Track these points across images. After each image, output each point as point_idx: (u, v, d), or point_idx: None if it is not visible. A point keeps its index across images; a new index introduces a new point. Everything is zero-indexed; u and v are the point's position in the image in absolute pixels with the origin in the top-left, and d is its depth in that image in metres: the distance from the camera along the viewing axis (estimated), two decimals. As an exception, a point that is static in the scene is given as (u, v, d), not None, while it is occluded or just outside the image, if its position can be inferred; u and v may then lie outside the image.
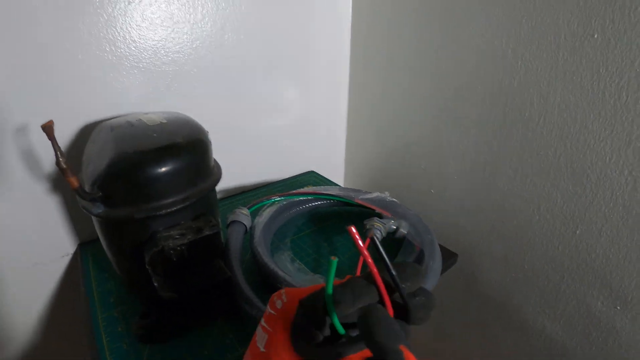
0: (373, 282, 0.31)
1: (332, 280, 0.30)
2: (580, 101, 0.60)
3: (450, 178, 0.84)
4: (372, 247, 0.31)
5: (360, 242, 0.29)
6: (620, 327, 0.65)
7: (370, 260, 0.30)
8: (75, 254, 0.75)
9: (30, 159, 0.64)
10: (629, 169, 0.57)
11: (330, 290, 0.30)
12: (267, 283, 0.58)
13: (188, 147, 0.51)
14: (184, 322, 0.54)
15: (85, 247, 0.74)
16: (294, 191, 0.78)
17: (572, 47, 0.58)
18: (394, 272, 0.30)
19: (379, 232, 0.63)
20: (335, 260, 0.29)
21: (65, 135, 0.66)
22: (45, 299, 0.77)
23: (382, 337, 0.26)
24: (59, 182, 0.68)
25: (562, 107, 0.62)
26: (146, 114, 0.59)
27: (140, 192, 0.48)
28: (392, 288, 0.31)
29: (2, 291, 0.72)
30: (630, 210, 0.58)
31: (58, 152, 0.46)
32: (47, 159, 0.65)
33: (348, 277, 0.33)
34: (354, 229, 0.29)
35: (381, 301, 0.32)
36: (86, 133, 0.65)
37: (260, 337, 0.34)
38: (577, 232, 0.66)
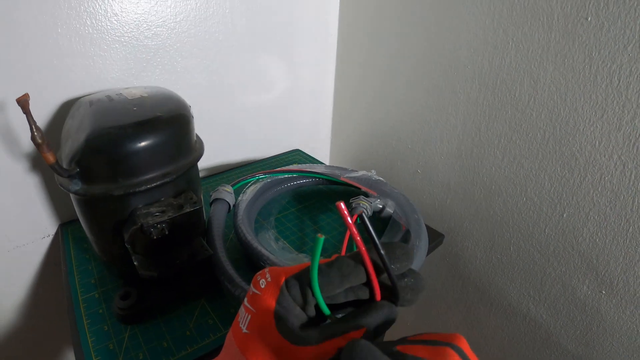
0: (361, 262, 0.30)
1: (318, 258, 0.29)
2: (571, 84, 0.59)
3: (437, 158, 0.83)
4: (361, 226, 0.29)
5: (350, 219, 0.28)
6: (605, 312, 0.65)
7: (358, 238, 0.29)
8: (56, 235, 0.73)
9: (7, 137, 0.61)
10: (618, 153, 0.56)
11: (315, 270, 0.29)
12: (251, 262, 0.57)
13: (169, 121, 0.48)
14: (165, 302, 0.53)
15: (66, 228, 0.72)
16: (278, 169, 0.77)
17: (564, 29, 0.57)
18: (383, 253, 0.29)
19: (365, 211, 0.62)
20: (322, 237, 0.27)
21: (44, 112, 0.64)
22: (26, 281, 0.75)
23: None
24: (39, 161, 0.66)
25: (552, 90, 0.61)
26: (127, 88, 0.57)
27: (119, 167, 0.45)
28: (380, 268, 0.30)
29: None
30: (619, 195, 0.58)
31: (33, 127, 0.44)
32: (26, 137, 0.63)
33: (335, 256, 0.32)
34: (343, 205, 0.28)
35: (368, 282, 0.31)
36: (66, 110, 0.62)
37: (242, 318, 0.33)
38: (564, 215, 0.65)
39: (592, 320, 0.67)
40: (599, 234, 0.62)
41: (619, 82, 0.54)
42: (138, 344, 0.50)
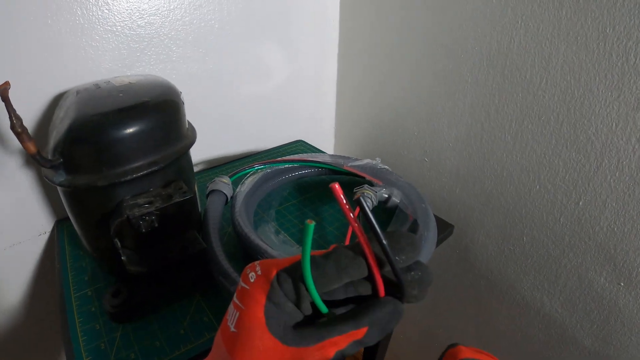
0: (361, 253, 0.27)
1: (309, 248, 0.25)
2: (585, 63, 0.55)
3: (445, 145, 0.79)
4: (361, 215, 0.26)
5: (345, 201, 0.24)
6: (624, 305, 0.62)
7: (357, 225, 0.26)
8: (52, 232, 0.71)
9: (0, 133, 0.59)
10: (636, 136, 0.53)
11: (307, 261, 0.26)
12: (250, 256, 0.54)
13: (156, 107, 0.46)
14: (158, 299, 0.50)
15: (62, 224, 0.69)
16: (278, 159, 0.73)
17: (576, 5, 0.54)
18: (385, 243, 0.25)
19: (369, 200, 0.59)
20: (312, 224, 0.24)
21: (36, 106, 0.61)
22: (23, 280, 0.73)
23: None
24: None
25: (565, 70, 0.58)
26: (117, 77, 0.55)
27: (103, 156, 0.43)
28: (383, 261, 0.27)
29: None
30: (638, 181, 0.55)
31: (12, 115, 0.42)
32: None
33: (333, 246, 0.29)
34: (337, 186, 0.24)
35: (370, 276, 0.27)
36: (57, 102, 0.60)
37: (231, 316, 0.30)
38: (580, 203, 0.62)
39: (609, 314, 0.64)
40: (617, 222, 0.59)
41: (636, 59, 0.51)
42: (130, 343, 0.47)
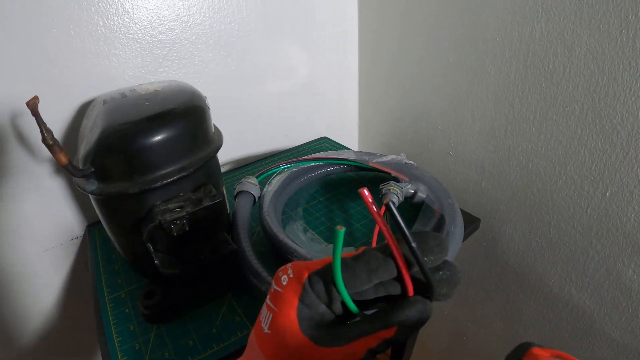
0: (390, 255, 0.27)
1: (340, 253, 0.26)
2: (608, 51, 0.54)
3: (469, 139, 0.78)
4: (389, 215, 0.26)
5: (375, 208, 0.25)
6: None
7: (386, 229, 0.26)
8: (84, 237, 0.73)
9: (29, 141, 0.61)
10: None
11: (338, 265, 0.26)
12: (279, 255, 0.54)
13: (183, 113, 0.46)
14: (190, 299, 0.51)
15: (93, 229, 0.71)
16: (303, 157, 0.73)
17: (597, -8, 0.52)
18: (414, 245, 0.26)
19: (395, 196, 0.58)
20: (342, 230, 0.25)
21: (63, 115, 0.63)
22: (57, 284, 0.75)
23: None
24: (62, 166, 0.65)
25: (588, 58, 0.56)
26: (141, 84, 0.55)
27: (133, 164, 0.44)
28: (412, 261, 0.27)
29: (13, 282, 0.70)
30: None
31: (43, 129, 0.43)
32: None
33: (362, 248, 0.29)
34: (366, 192, 0.25)
35: (399, 276, 0.28)
36: (83, 111, 0.61)
37: (264, 317, 0.30)
38: (607, 194, 0.60)
39: (638, 306, 0.63)
40: (646, 212, 0.57)
41: (660, 46, 0.49)
42: (164, 343, 0.48)
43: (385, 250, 0.28)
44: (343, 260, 0.27)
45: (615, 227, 0.61)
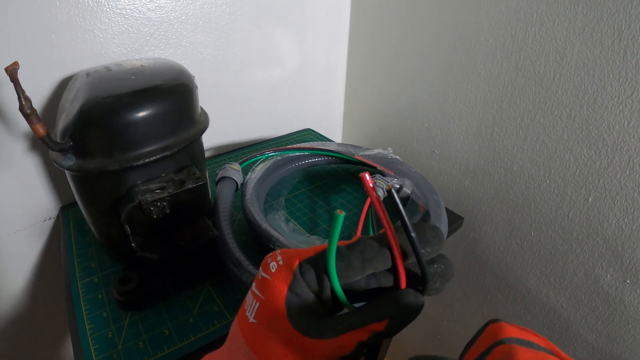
0: (387, 245, 0.26)
1: (337, 239, 0.24)
2: (599, 59, 0.53)
3: (455, 138, 0.77)
4: (390, 202, 0.24)
5: (376, 193, 0.23)
6: (629, 302, 0.60)
7: (385, 217, 0.24)
8: (57, 218, 0.68)
9: (4, 116, 0.57)
10: None
11: (333, 253, 0.25)
12: (260, 244, 0.52)
13: (170, 90, 0.43)
14: (167, 287, 0.48)
15: (68, 210, 0.67)
16: (289, 146, 0.71)
17: (592, 1, 0.52)
18: (414, 235, 0.24)
19: (381, 190, 0.57)
20: (342, 214, 0.23)
21: (42, 90, 0.58)
22: (27, 267, 0.70)
23: None
24: (38, 142, 0.61)
25: (579, 65, 0.55)
26: (127, 60, 0.52)
27: (114, 140, 0.40)
28: (406, 252, 0.26)
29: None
30: None
31: (21, 96, 0.39)
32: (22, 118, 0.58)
33: (356, 237, 0.27)
34: (368, 177, 0.23)
35: (393, 267, 0.26)
36: (63, 86, 0.58)
37: (250, 306, 0.28)
38: (590, 199, 0.60)
39: (614, 311, 0.63)
40: (626, 220, 0.57)
41: (650, 58, 0.49)
42: (138, 332, 0.45)
43: (381, 240, 0.26)
44: (337, 248, 0.25)
45: (596, 232, 0.60)
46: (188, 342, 0.44)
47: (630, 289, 0.59)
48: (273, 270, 0.27)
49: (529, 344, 0.21)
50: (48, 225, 0.69)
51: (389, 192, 0.23)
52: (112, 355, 0.42)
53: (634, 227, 0.56)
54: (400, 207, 0.23)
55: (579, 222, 0.62)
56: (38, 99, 0.58)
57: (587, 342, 0.67)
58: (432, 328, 1.04)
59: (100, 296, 0.49)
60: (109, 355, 0.42)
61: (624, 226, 0.57)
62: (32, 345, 0.78)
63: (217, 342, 0.44)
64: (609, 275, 0.61)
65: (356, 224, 0.56)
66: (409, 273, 0.26)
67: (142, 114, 0.40)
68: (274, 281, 0.27)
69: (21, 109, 0.39)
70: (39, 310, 0.75)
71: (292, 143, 0.88)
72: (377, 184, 0.57)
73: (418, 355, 0.22)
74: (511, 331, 0.22)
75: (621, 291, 0.60)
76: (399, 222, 0.24)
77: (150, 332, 0.45)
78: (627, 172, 0.55)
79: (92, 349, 0.43)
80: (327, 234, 0.57)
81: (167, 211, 0.42)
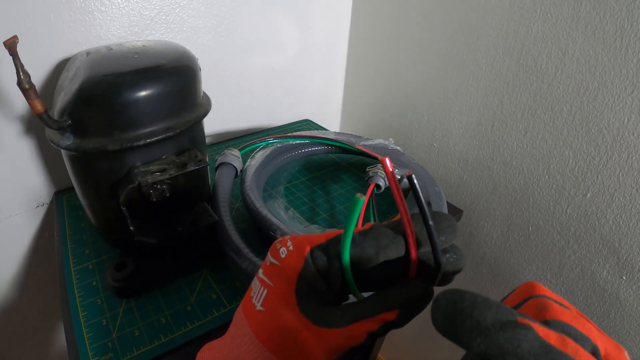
0: (401, 232, 0.25)
1: (354, 224, 0.23)
2: (601, 57, 0.53)
3: (454, 131, 0.76)
4: (411, 188, 0.23)
5: (395, 180, 0.22)
6: (624, 299, 0.60)
7: (402, 204, 0.23)
8: (51, 204, 0.66)
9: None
10: None
11: (349, 239, 0.23)
12: (260, 232, 0.51)
13: (173, 71, 0.41)
14: (164, 273, 0.46)
15: (62, 196, 0.65)
16: (290, 134, 0.69)
17: (595, -1, 0.51)
18: (432, 224, 0.23)
19: (382, 180, 0.56)
20: (362, 198, 0.22)
21: (40, 70, 0.56)
22: (19, 253, 0.68)
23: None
24: (34, 124, 0.59)
25: (581, 62, 0.55)
26: (129, 41, 0.50)
27: (115, 119, 0.39)
28: (419, 241, 0.25)
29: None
30: None
31: (20, 70, 0.37)
32: (20, 97, 0.55)
33: (370, 224, 0.26)
34: (388, 162, 0.22)
35: (406, 256, 0.25)
36: (61, 68, 0.56)
37: (257, 293, 0.26)
38: (588, 195, 0.59)
39: (610, 307, 0.62)
40: (624, 216, 0.57)
41: (651, 56, 0.48)
42: (134, 320, 0.43)
43: (395, 228, 0.25)
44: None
45: (594, 228, 0.60)
46: (185, 331, 0.42)
47: (627, 286, 0.59)
48: (283, 256, 0.26)
49: (561, 304, 0.20)
50: (42, 210, 0.67)
51: (409, 177, 0.22)
52: (106, 343, 0.41)
53: (631, 224, 0.56)
54: (420, 192, 0.22)
55: (576, 218, 0.62)
56: (34, 81, 0.56)
57: (582, 338, 0.67)
58: (425, 320, 1.03)
59: (94, 283, 0.48)
60: (103, 343, 0.41)
61: (621, 223, 0.57)
62: (24, 333, 0.76)
63: (215, 331, 0.43)
64: (605, 272, 0.61)
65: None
66: (420, 262, 0.25)
67: (144, 93, 0.39)
68: (283, 267, 0.26)
69: (19, 83, 0.37)
70: (32, 297, 0.73)
71: (290, 133, 0.87)
72: (379, 173, 0.56)
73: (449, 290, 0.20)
74: (544, 290, 0.21)
75: (617, 287, 0.60)
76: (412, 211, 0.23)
77: (146, 320, 0.43)
78: (626, 169, 0.55)
79: (85, 337, 0.42)
80: (327, 224, 0.56)
81: (167, 194, 0.40)
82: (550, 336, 0.17)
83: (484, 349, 0.16)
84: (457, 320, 0.17)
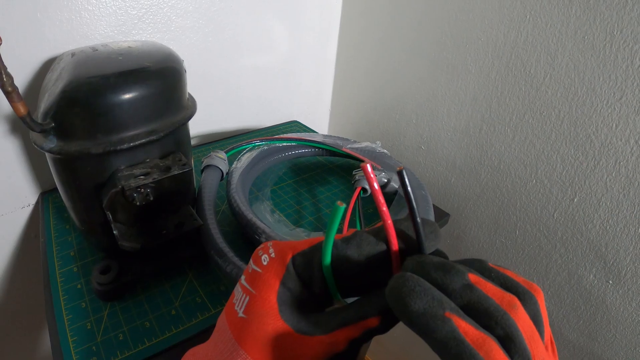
0: (384, 239, 0.24)
1: (334, 232, 0.23)
2: (590, 62, 0.53)
3: (443, 134, 0.76)
4: (400, 183, 0.23)
5: (377, 185, 0.22)
6: (611, 303, 0.61)
7: (385, 209, 0.23)
8: (37, 205, 0.66)
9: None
10: (635, 138, 0.52)
11: (330, 246, 0.23)
12: (245, 235, 0.50)
13: (158, 73, 0.41)
14: (148, 277, 0.46)
15: (48, 197, 0.64)
16: (276, 136, 0.69)
17: (585, 5, 0.52)
18: (421, 229, 0.23)
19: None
20: (342, 206, 0.21)
21: (25, 70, 0.56)
22: (3, 255, 0.67)
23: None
24: (18, 124, 0.58)
25: (570, 67, 0.55)
26: (115, 41, 0.49)
27: (98, 122, 0.38)
28: (403, 249, 0.24)
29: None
30: (633, 182, 0.53)
31: (2, 72, 0.37)
32: (3, 97, 0.54)
33: (352, 230, 0.26)
34: (369, 167, 0.22)
35: (389, 261, 0.25)
36: (46, 68, 0.55)
37: (239, 299, 0.26)
38: (575, 200, 0.60)
39: (596, 311, 0.63)
40: (610, 221, 0.57)
41: (640, 63, 0.49)
42: (118, 323, 0.43)
43: (377, 234, 0.25)
44: (333, 242, 0.24)
45: (580, 232, 0.60)
46: (170, 335, 0.42)
47: (613, 290, 0.59)
48: (265, 263, 0.26)
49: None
50: (26, 212, 0.66)
51: (400, 172, 0.22)
52: (90, 347, 0.41)
53: (617, 229, 0.56)
54: (409, 188, 0.22)
55: (563, 222, 0.62)
56: (19, 80, 0.55)
57: (569, 341, 0.67)
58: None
59: (79, 286, 0.47)
60: (87, 347, 0.41)
61: (608, 227, 0.57)
62: (8, 337, 0.75)
63: (199, 335, 0.43)
64: (592, 276, 0.61)
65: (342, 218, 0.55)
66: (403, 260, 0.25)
67: (128, 95, 0.38)
68: (265, 275, 0.25)
69: (2, 85, 0.37)
70: (16, 300, 0.72)
71: (278, 134, 0.86)
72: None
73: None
74: (541, 298, 0.23)
75: (603, 291, 0.60)
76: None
77: (131, 324, 0.43)
78: (613, 174, 0.55)
79: (70, 340, 0.41)
80: (313, 227, 0.56)
81: (151, 198, 0.40)
82: (469, 333, 0.19)
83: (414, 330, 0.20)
84: (397, 306, 0.20)
